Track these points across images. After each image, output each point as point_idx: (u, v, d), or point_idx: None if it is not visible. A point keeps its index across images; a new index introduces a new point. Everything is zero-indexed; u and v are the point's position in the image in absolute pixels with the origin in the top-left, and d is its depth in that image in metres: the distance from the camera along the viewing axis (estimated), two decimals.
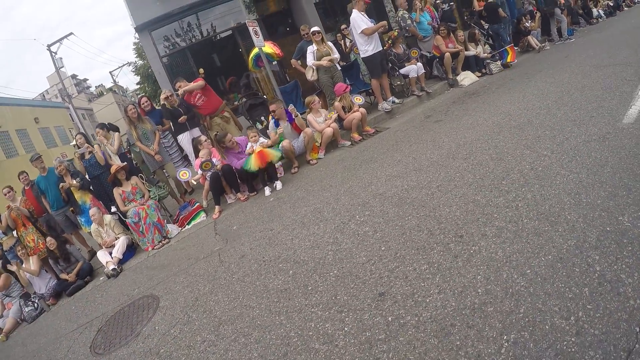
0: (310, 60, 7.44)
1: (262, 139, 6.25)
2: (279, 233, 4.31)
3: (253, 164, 5.80)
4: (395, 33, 9.04)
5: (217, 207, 5.98)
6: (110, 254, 5.93)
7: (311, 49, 7.44)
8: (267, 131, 6.39)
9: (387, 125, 7.39)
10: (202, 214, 6.21)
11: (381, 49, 7.77)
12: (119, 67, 38.52)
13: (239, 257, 4.16)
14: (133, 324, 3.80)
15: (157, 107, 7.69)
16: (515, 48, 9.93)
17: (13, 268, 6.43)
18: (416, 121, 6.98)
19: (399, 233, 3.23)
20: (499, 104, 6.11)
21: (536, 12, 11.36)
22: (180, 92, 6.90)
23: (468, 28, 10.38)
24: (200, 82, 7.01)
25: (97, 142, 6.95)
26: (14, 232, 6.95)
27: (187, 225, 6.15)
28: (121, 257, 5.91)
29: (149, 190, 6.41)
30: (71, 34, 23.23)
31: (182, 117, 6.76)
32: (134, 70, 37.12)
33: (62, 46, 23.60)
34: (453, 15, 10.71)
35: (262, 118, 7.56)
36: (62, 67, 22.09)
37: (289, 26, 12.28)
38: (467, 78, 9.00)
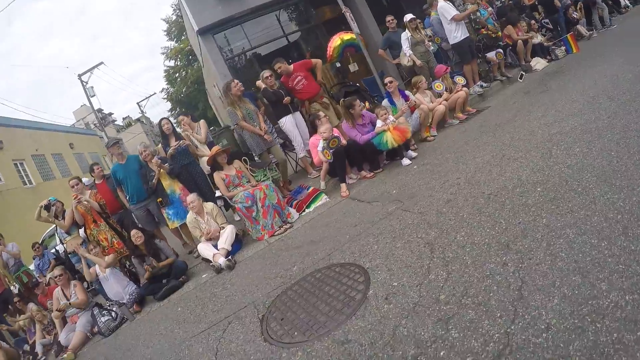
0: (406, 46, 7.19)
1: (391, 117, 5.44)
2: (469, 177, 3.75)
3: (392, 140, 5.12)
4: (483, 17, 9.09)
5: (343, 185, 5.11)
6: (215, 246, 4.87)
7: (406, 36, 7.22)
8: (376, 110, 5.96)
9: (483, 106, 6.96)
10: (323, 196, 5.23)
11: (468, 35, 7.53)
12: (146, 98, 38.87)
13: (444, 202, 3.40)
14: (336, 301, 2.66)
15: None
16: None
17: (82, 255, 5.48)
18: (517, 97, 6.59)
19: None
20: (590, 75, 5.73)
21: (579, 2, 11.53)
22: (281, 69, 6.33)
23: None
24: (318, 61, 6.65)
25: (182, 131, 6.15)
26: (80, 231, 5.97)
27: (306, 209, 5.15)
28: (230, 248, 4.79)
29: (253, 175, 5.47)
30: (101, 63, 22.92)
31: (286, 98, 6.02)
32: (165, 97, 37.09)
33: (92, 76, 23.13)
34: (507, 10, 10.79)
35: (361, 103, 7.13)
36: (94, 95, 21.22)
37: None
38: (538, 63, 8.85)
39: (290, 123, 6.13)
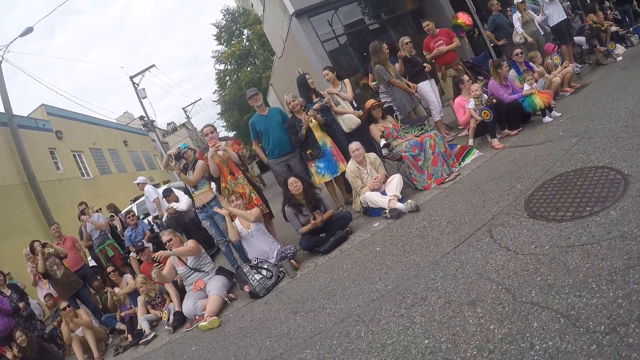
0: (518, 25, 7.79)
1: (535, 83, 5.90)
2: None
3: (541, 102, 5.54)
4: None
5: (495, 140, 5.44)
6: (383, 194, 4.78)
7: (517, 16, 7.84)
8: (523, 74, 6.17)
9: (584, 82, 7.40)
10: (475, 151, 5.50)
11: (566, 17, 8.05)
12: (192, 104, 39.47)
13: (623, 126, 3.93)
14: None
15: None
16: None
17: (222, 211, 4.76)
18: (614, 73, 7.12)
19: None
20: None
21: None
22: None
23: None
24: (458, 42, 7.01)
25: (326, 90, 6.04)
26: (212, 185, 5.40)
27: (462, 163, 5.41)
28: (400, 195, 4.73)
29: (406, 131, 5.64)
30: (153, 66, 23.11)
31: (427, 66, 6.43)
32: (216, 100, 37.60)
33: (144, 78, 23.56)
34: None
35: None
36: (145, 97, 21.80)
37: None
38: (618, 49, 9.78)
39: (428, 87, 6.76)
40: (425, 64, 6.48)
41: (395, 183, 4.83)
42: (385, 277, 3.35)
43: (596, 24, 8.90)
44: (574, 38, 8.67)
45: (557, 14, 7.82)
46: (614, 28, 9.79)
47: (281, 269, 4.51)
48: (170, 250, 4.62)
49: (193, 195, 5.20)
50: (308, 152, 5.36)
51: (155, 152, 27.42)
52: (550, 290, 2.09)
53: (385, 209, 4.63)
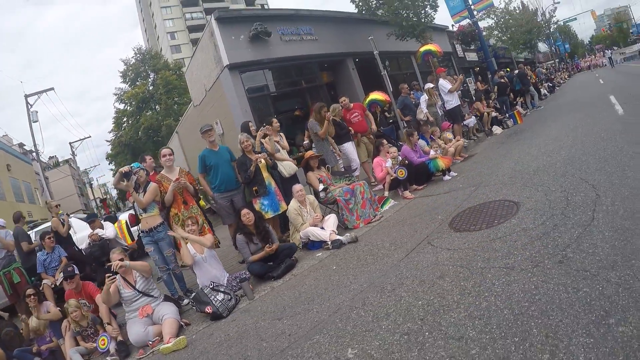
0: (424, 106, 9.84)
1: (439, 150, 7.85)
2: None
3: (442, 164, 7.16)
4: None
5: (406, 192, 6.75)
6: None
7: (424, 98, 10.04)
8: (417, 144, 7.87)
9: (471, 152, 9.52)
10: (391, 200, 6.66)
11: (459, 103, 10.70)
12: (81, 140, 36.01)
13: (508, 177, 5.77)
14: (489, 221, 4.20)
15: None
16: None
17: (177, 233, 4.88)
18: (495, 146, 9.49)
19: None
20: (542, 132, 8.86)
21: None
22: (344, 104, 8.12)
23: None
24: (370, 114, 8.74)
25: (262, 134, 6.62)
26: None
27: (381, 209, 6.42)
28: (336, 231, 5.53)
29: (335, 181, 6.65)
30: (52, 89, 21.49)
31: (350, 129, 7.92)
32: (110, 140, 35.65)
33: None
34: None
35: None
36: (36, 120, 20.08)
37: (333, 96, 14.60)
38: (497, 129, 12.17)
39: (351, 147, 7.93)
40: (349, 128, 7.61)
41: (332, 221, 5.74)
42: (355, 280, 3.97)
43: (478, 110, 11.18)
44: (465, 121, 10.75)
45: (453, 100, 10.05)
46: (494, 114, 12.16)
47: (238, 292, 4.77)
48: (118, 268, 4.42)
49: (140, 217, 5.13)
50: (254, 189, 5.92)
51: (36, 185, 24.61)
52: (489, 260, 3.32)
53: (326, 242, 5.45)
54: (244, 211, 5.28)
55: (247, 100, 11.45)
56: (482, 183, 5.99)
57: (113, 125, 35.29)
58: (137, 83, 35.22)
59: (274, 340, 3.29)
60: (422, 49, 12.71)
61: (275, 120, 7.04)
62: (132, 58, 35.80)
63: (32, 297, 5.12)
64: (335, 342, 2.88)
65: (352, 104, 8.46)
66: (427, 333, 2.56)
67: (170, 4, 65.92)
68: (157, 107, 33.86)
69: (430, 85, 10.54)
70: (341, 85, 15.28)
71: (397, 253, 4.32)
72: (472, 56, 25.02)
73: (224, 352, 3.46)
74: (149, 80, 35.58)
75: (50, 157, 42.40)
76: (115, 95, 34.83)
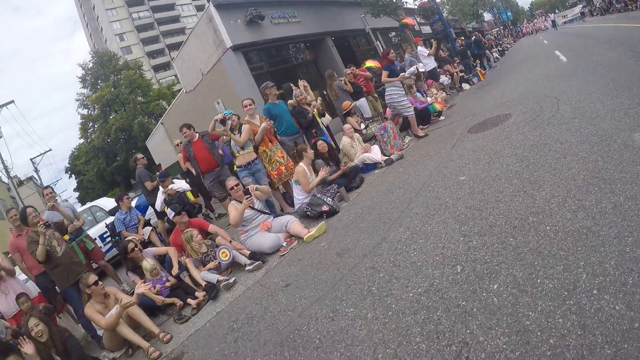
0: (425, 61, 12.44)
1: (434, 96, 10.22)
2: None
3: (438, 107, 9.44)
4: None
5: (417, 128, 8.63)
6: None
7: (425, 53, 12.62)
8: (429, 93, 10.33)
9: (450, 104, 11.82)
10: (407, 137, 8.61)
11: (435, 65, 13.24)
12: (42, 154, 34.45)
13: (493, 105, 7.17)
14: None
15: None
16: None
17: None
18: (470, 95, 11.97)
19: None
20: (506, 80, 11.65)
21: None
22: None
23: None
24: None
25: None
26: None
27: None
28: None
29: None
30: (12, 102, 21.34)
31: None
32: (77, 147, 35.85)
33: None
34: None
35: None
36: (0, 136, 20.15)
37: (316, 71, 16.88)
38: (466, 86, 14.59)
39: (364, 101, 10.00)
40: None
41: (377, 149, 7.68)
42: (422, 172, 5.69)
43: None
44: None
45: (431, 63, 12.57)
46: (461, 74, 14.53)
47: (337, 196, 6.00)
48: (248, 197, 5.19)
49: (237, 154, 6.22)
50: (314, 131, 7.57)
51: (10, 203, 24.46)
52: (507, 139, 5.38)
53: (380, 162, 7.34)
54: (320, 142, 6.80)
55: (252, 77, 13.18)
56: (475, 113, 8.27)
57: (80, 131, 35.33)
58: (98, 87, 35.34)
59: (385, 212, 4.69)
60: (401, 22, 14.74)
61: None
62: (89, 62, 35.84)
63: (135, 249, 5.40)
64: (434, 202, 4.29)
65: (357, 69, 10.45)
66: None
67: (115, 5, 64.92)
68: (124, 107, 34.26)
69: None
70: (323, 60, 17.37)
71: (443, 150, 6.36)
72: (426, 29, 27.64)
73: (356, 227, 4.65)
74: (110, 82, 35.76)
75: (13, 177, 41.01)
76: (78, 101, 34.89)
